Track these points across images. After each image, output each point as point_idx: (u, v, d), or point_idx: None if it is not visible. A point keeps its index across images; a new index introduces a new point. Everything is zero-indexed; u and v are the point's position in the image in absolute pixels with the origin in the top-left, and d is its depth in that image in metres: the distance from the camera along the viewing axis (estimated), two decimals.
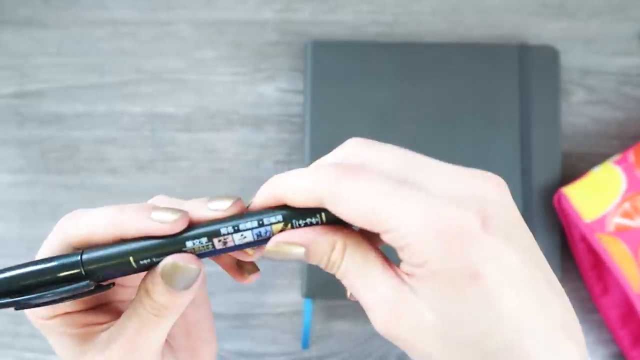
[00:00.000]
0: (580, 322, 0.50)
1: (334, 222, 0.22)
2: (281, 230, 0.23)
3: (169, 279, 0.22)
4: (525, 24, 0.53)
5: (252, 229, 0.23)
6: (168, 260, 0.22)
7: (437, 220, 0.18)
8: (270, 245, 0.22)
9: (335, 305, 0.50)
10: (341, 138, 0.49)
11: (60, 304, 0.24)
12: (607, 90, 0.52)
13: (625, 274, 0.44)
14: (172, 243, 0.23)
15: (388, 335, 0.20)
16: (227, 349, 0.50)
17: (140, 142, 0.52)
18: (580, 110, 0.52)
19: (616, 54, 0.52)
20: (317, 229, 0.22)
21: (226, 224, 0.23)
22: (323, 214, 0.22)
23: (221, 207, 0.23)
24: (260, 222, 0.23)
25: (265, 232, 0.23)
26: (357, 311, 0.50)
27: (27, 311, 0.25)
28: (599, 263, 0.48)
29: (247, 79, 0.52)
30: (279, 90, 0.52)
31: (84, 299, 0.25)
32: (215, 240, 0.23)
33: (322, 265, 0.22)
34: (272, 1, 0.53)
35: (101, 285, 0.24)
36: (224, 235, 0.23)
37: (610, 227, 0.45)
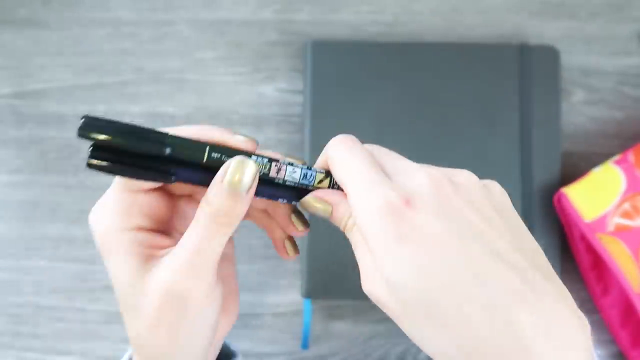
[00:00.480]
0: None
1: None
2: (320, 181, 0.27)
3: (231, 180, 0.25)
4: (526, 23, 0.53)
5: (301, 167, 0.27)
6: (235, 158, 0.25)
7: (375, 201, 0.24)
8: (307, 197, 0.27)
9: (335, 305, 0.50)
10: None
11: (133, 212, 0.27)
12: (607, 90, 0.52)
13: (625, 274, 0.44)
14: (242, 153, 0.26)
15: (367, 292, 0.25)
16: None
17: None
18: (580, 110, 0.52)
19: (616, 54, 0.52)
20: (343, 196, 0.26)
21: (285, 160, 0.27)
22: None
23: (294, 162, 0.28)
24: (309, 167, 0.27)
25: (310, 175, 0.27)
26: (357, 311, 0.50)
27: (101, 224, 0.27)
28: (599, 263, 0.48)
29: (247, 79, 0.52)
30: (278, 91, 0.52)
31: (153, 215, 0.28)
32: (273, 164, 0.27)
33: (340, 226, 0.27)
34: (272, 1, 0.53)
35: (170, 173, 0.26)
36: (280, 162, 0.27)
37: (610, 227, 0.45)
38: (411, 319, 0.23)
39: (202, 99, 0.52)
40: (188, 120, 0.52)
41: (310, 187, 0.28)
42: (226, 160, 0.26)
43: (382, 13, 0.53)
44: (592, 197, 0.45)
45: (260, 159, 0.27)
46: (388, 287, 0.23)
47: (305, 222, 0.30)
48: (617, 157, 0.47)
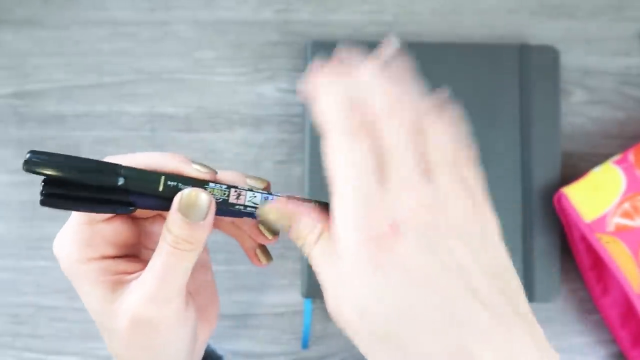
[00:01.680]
0: (581, 322, 0.50)
1: (326, 207, 0.26)
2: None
3: (185, 210, 0.25)
4: (525, 24, 0.53)
5: (262, 193, 0.27)
6: (185, 190, 0.26)
7: (361, 225, 0.23)
8: (265, 206, 0.26)
9: None
10: None
11: (94, 242, 0.27)
12: (607, 90, 0.52)
13: (625, 274, 0.44)
14: (199, 181, 0.26)
15: (332, 309, 0.24)
16: (226, 349, 0.50)
17: (140, 142, 0.52)
18: (580, 110, 0.52)
19: (616, 54, 0.52)
20: (309, 209, 0.26)
21: (245, 186, 0.27)
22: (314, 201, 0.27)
23: (255, 184, 0.28)
24: (269, 192, 0.27)
25: (272, 199, 0.27)
26: None
27: (63, 256, 0.27)
28: (599, 263, 0.48)
29: (247, 79, 0.52)
30: (279, 91, 0.52)
31: (117, 242, 0.28)
32: (232, 190, 0.27)
33: (298, 243, 0.26)
34: (272, 1, 0.53)
35: (129, 203, 0.26)
36: (240, 189, 0.27)
37: (610, 227, 0.45)
38: (373, 345, 0.23)
39: (202, 99, 0.52)
40: (188, 120, 0.52)
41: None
42: (182, 188, 0.26)
43: (382, 13, 0.53)
44: (592, 197, 0.45)
45: (218, 186, 0.27)
46: (355, 310, 0.23)
47: (273, 231, 0.30)
48: (617, 157, 0.47)
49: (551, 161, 0.49)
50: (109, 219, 0.28)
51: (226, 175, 0.28)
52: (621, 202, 0.45)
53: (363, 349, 0.24)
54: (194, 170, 0.27)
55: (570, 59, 0.52)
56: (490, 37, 0.53)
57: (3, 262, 0.51)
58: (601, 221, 0.45)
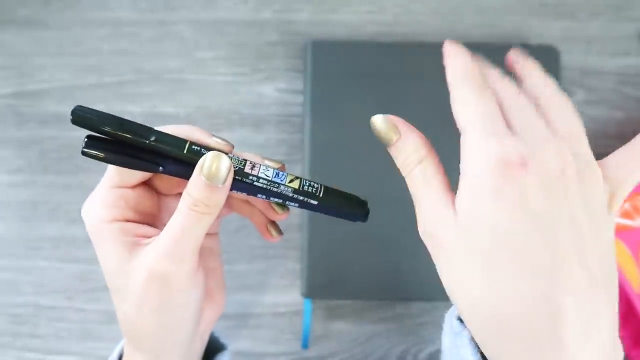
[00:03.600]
0: None
1: None
2: (291, 181, 0.29)
3: (207, 172, 0.27)
4: (526, 24, 0.53)
5: (274, 168, 0.29)
6: (208, 154, 0.27)
7: (491, 148, 0.24)
8: (377, 115, 0.29)
9: (335, 305, 0.50)
10: (341, 138, 0.49)
11: (120, 205, 0.29)
12: (607, 90, 0.52)
13: (625, 274, 0.44)
14: (219, 151, 0.28)
15: (424, 234, 0.27)
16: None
17: None
18: (580, 110, 0.52)
19: (616, 54, 0.52)
20: (418, 132, 0.28)
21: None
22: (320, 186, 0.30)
23: (270, 164, 0.30)
24: (281, 170, 0.30)
25: (282, 175, 0.29)
26: (357, 311, 0.50)
27: (90, 216, 0.29)
28: None
29: (247, 79, 0.52)
30: (278, 91, 0.52)
31: (139, 209, 0.30)
32: (247, 162, 0.29)
33: (398, 161, 0.28)
34: (272, 1, 0.53)
35: (156, 164, 0.29)
36: (254, 162, 0.29)
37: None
38: (458, 258, 0.24)
39: (202, 99, 0.52)
40: (188, 120, 0.52)
41: (282, 185, 0.29)
42: (203, 153, 0.28)
43: (382, 13, 0.53)
44: None
45: (235, 157, 0.29)
46: (457, 227, 0.24)
47: (284, 206, 0.32)
48: None
49: None
50: (134, 186, 0.30)
51: (243, 154, 0.30)
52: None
53: (443, 265, 0.26)
54: (214, 142, 0.29)
55: (570, 59, 0.52)
56: (490, 37, 0.53)
57: (3, 262, 0.51)
58: None
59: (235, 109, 0.52)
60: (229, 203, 0.33)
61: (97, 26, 0.53)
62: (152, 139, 0.28)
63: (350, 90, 0.49)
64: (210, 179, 0.27)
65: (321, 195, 0.30)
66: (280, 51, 0.52)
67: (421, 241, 0.49)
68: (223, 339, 0.37)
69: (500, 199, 0.22)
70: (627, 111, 0.52)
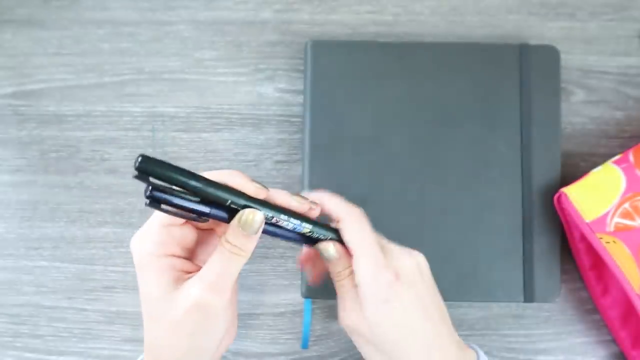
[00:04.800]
0: (581, 322, 0.50)
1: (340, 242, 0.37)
2: (307, 232, 0.36)
3: (244, 224, 0.33)
4: (526, 24, 0.53)
5: (295, 223, 0.36)
6: (247, 210, 0.33)
7: (379, 272, 0.36)
8: (324, 243, 0.37)
9: (335, 305, 0.50)
10: (341, 138, 0.49)
11: (168, 242, 0.34)
12: (607, 90, 0.52)
13: (625, 274, 0.44)
14: (253, 202, 0.34)
15: (347, 327, 0.37)
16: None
17: (140, 142, 0.52)
18: (580, 110, 0.52)
19: (616, 54, 0.52)
20: (349, 254, 0.37)
21: (285, 213, 0.35)
22: (333, 234, 0.37)
23: (300, 205, 0.36)
24: (299, 224, 0.36)
25: (300, 226, 0.36)
26: None
27: (140, 250, 0.33)
28: (599, 263, 0.48)
29: (247, 79, 0.52)
30: (278, 90, 0.52)
31: (183, 245, 0.35)
32: (274, 218, 0.35)
33: (334, 272, 0.38)
34: (272, 1, 0.53)
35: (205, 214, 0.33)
36: (280, 217, 0.35)
37: (611, 227, 0.45)
38: (371, 346, 0.36)
39: (202, 99, 0.52)
40: (188, 120, 0.52)
41: (302, 232, 0.36)
42: (238, 209, 0.33)
43: (382, 13, 0.53)
44: (593, 197, 0.45)
45: (266, 210, 0.34)
46: (367, 324, 0.35)
47: (305, 198, 0.37)
48: (617, 157, 0.47)
49: (551, 161, 0.49)
50: (182, 224, 0.35)
51: (276, 195, 0.35)
52: (621, 202, 0.45)
53: (364, 350, 0.37)
54: (253, 187, 0.34)
55: (570, 59, 0.52)
56: (490, 37, 0.53)
57: (3, 262, 0.51)
58: (601, 221, 0.45)
59: (235, 109, 0.52)
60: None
61: (97, 26, 0.53)
62: (208, 190, 0.32)
63: (350, 90, 0.49)
64: (245, 229, 0.33)
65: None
66: (280, 51, 0.52)
67: (421, 241, 0.49)
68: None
69: (389, 304, 0.35)
70: (627, 111, 0.52)
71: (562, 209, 0.47)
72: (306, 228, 0.36)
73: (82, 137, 0.52)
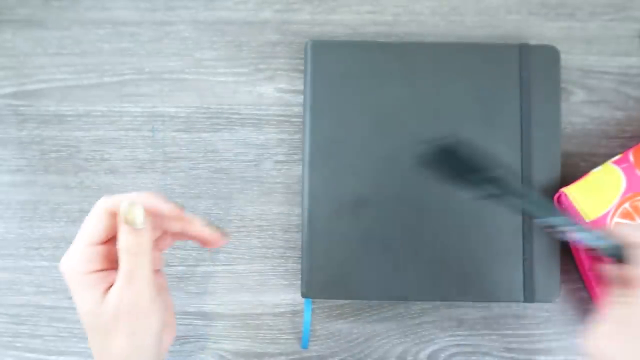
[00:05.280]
0: (581, 322, 0.50)
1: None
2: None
3: (125, 218, 0.34)
4: (526, 24, 0.53)
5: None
6: (123, 203, 0.34)
7: None
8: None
9: (335, 305, 0.50)
10: (341, 138, 0.49)
11: (94, 259, 0.35)
12: (607, 90, 0.52)
13: None
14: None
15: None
16: (226, 348, 0.50)
17: (140, 142, 0.52)
18: (580, 110, 0.52)
19: (616, 54, 0.52)
20: None
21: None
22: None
23: (210, 235, 0.39)
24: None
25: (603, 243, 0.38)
26: (357, 311, 0.50)
27: (69, 270, 0.35)
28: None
29: (247, 79, 0.52)
30: (279, 91, 0.52)
31: (109, 259, 0.36)
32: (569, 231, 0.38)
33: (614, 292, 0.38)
34: (272, 1, 0.53)
35: None
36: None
37: (611, 227, 0.45)
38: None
39: (202, 99, 0.52)
40: (188, 120, 0.52)
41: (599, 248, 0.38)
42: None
43: (382, 13, 0.53)
44: (593, 197, 0.45)
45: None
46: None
47: (221, 230, 0.39)
48: (617, 157, 0.47)
49: (551, 161, 0.49)
50: (104, 242, 0.36)
51: (190, 222, 0.38)
52: (621, 202, 0.45)
53: None
54: (168, 208, 0.36)
55: (570, 59, 0.52)
56: (490, 37, 0.53)
57: (3, 262, 0.51)
58: (601, 221, 0.45)
59: (235, 109, 0.52)
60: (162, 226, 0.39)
61: (97, 26, 0.53)
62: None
63: (350, 90, 0.49)
64: (130, 223, 0.34)
65: None
66: (280, 51, 0.52)
67: (421, 241, 0.49)
68: (222, 344, 0.46)
69: None
70: (627, 111, 0.52)
71: (563, 209, 0.47)
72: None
73: (82, 137, 0.52)
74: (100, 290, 0.35)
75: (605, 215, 0.45)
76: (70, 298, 0.50)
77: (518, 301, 0.48)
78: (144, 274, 0.35)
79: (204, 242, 0.39)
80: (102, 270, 0.36)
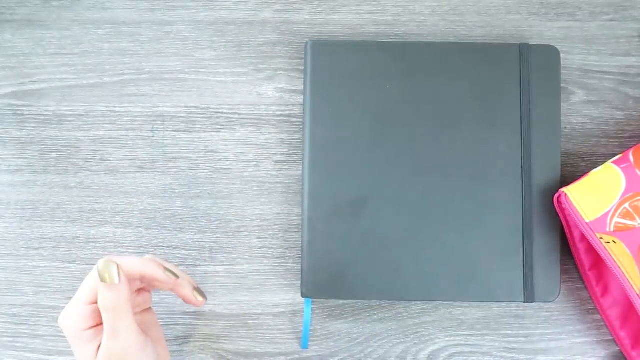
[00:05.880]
0: (581, 322, 0.50)
1: None
2: None
3: (101, 276, 0.36)
4: (526, 24, 0.53)
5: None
6: (100, 262, 0.37)
7: None
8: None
9: (335, 305, 0.50)
10: (341, 138, 0.49)
11: (90, 316, 0.38)
12: (607, 90, 0.52)
13: (626, 274, 0.44)
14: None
15: None
16: (226, 349, 0.50)
17: (140, 142, 0.52)
18: (580, 110, 0.52)
19: (616, 54, 0.52)
20: None
21: None
22: None
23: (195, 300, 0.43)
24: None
25: None
26: (357, 311, 0.50)
27: (69, 326, 0.38)
28: (599, 263, 0.48)
29: (247, 79, 0.52)
30: (278, 91, 0.52)
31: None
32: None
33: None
34: (272, 1, 0.53)
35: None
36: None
37: (611, 227, 0.45)
38: None
39: (202, 99, 0.52)
40: (188, 120, 0.52)
41: None
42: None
43: (382, 13, 0.53)
44: (593, 197, 0.45)
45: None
46: None
47: (203, 294, 0.43)
48: (617, 157, 0.47)
49: (551, 161, 0.49)
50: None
51: (182, 285, 0.41)
52: (621, 202, 0.45)
53: None
54: (164, 277, 0.40)
55: (570, 59, 0.52)
56: (490, 37, 0.53)
57: (3, 262, 0.51)
58: (601, 221, 0.45)
59: (235, 109, 0.52)
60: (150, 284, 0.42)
61: (97, 26, 0.53)
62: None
63: (350, 90, 0.49)
64: (106, 280, 0.36)
65: None
66: (280, 51, 0.52)
67: (421, 241, 0.49)
68: (222, 344, 0.48)
69: None
70: (627, 111, 0.52)
71: (562, 209, 0.47)
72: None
73: (82, 137, 0.52)
74: (95, 346, 0.38)
75: (605, 215, 0.45)
76: (70, 298, 0.50)
77: (518, 301, 0.48)
78: (125, 325, 0.37)
79: (187, 302, 0.42)
80: (97, 325, 0.38)
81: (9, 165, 0.52)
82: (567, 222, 0.48)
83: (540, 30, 0.53)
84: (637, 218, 0.44)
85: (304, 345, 0.49)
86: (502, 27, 0.53)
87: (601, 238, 0.44)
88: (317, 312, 0.50)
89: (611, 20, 0.53)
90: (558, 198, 0.47)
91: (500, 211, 0.48)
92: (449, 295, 0.48)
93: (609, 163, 0.46)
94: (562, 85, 0.51)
